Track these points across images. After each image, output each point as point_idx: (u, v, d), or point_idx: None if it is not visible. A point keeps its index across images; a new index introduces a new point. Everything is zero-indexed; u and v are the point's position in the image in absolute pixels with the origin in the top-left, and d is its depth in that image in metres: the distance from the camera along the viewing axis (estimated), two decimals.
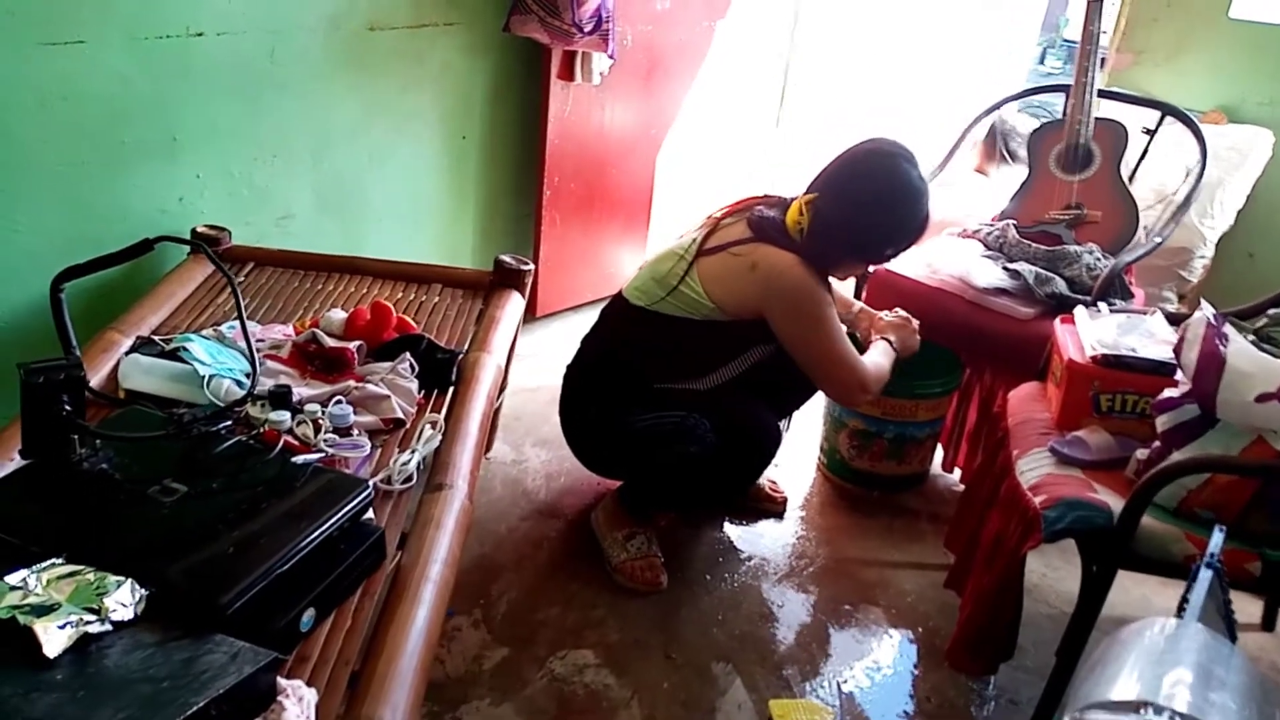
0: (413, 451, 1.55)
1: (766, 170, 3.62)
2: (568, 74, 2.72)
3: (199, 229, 2.22)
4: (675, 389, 1.93)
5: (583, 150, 2.93)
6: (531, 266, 2.27)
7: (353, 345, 1.80)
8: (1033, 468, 1.66)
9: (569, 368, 2.11)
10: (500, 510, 2.27)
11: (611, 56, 2.67)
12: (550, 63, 2.70)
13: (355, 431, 1.55)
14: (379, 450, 1.56)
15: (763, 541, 2.24)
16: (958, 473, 2.49)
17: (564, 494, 2.35)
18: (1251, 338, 1.64)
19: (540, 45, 2.65)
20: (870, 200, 1.83)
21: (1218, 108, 2.75)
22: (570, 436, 2.11)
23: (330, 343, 1.80)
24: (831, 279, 1.94)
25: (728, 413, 1.88)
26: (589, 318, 2.20)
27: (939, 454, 2.51)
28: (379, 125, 2.53)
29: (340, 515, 1.21)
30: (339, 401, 1.57)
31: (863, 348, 2.02)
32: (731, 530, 2.27)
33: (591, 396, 2.03)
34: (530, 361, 2.85)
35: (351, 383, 1.70)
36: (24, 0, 1.81)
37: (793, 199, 1.92)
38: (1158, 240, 2.33)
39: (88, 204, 2.02)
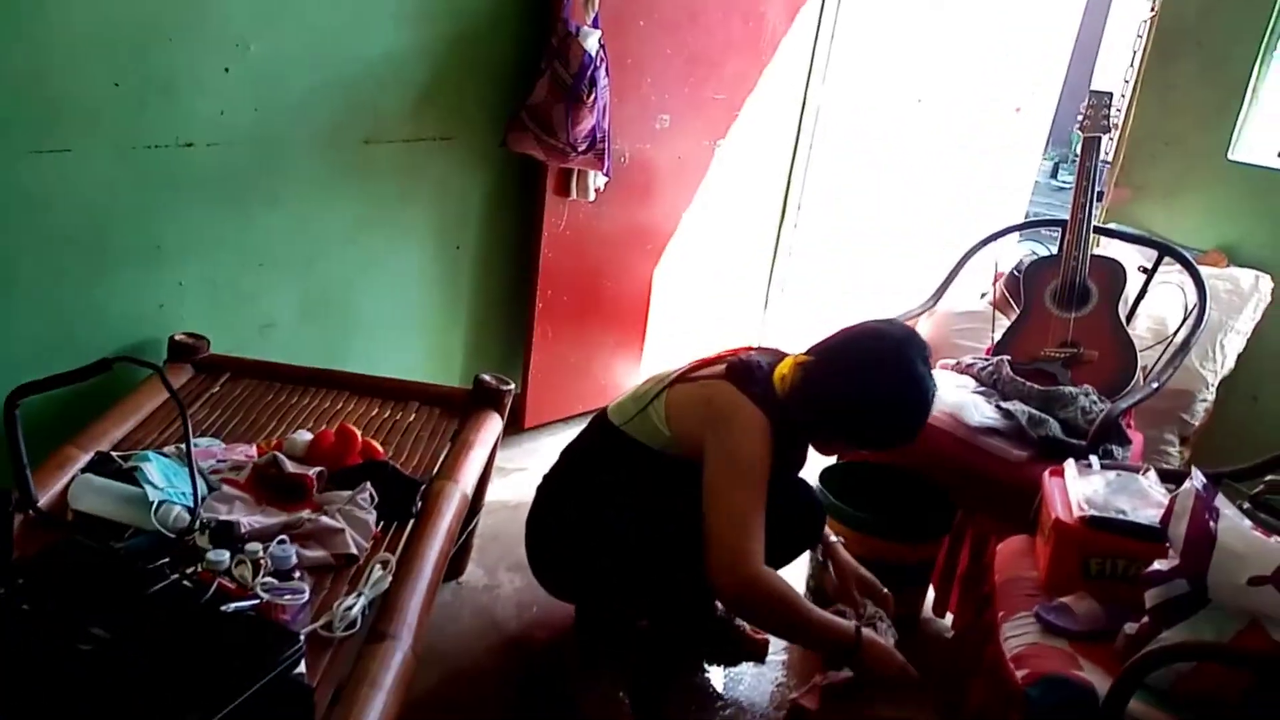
0: (359, 595, 1.48)
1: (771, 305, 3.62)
2: (563, 190, 2.73)
3: (178, 337, 2.19)
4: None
5: (577, 264, 2.92)
6: (512, 386, 2.23)
7: (314, 471, 1.75)
8: (1018, 634, 1.58)
9: (545, 478, 2.03)
10: (466, 643, 2.17)
11: (607, 174, 2.68)
12: (546, 178, 2.71)
13: (298, 574, 1.48)
14: (323, 593, 1.49)
15: (742, 687, 2.13)
16: (950, 617, 2.38)
17: (536, 625, 2.25)
18: (1247, 506, 1.57)
19: (537, 161, 2.66)
20: (866, 383, 1.70)
21: (1217, 248, 2.72)
22: (537, 549, 2.02)
23: (291, 468, 1.75)
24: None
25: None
26: (579, 430, 2.14)
27: (930, 595, 2.41)
28: (371, 236, 2.52)
29: (264, 675, 1.14)
30: (283, 541, 1.50)
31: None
32: (710, 673, 2.17)
33: (565, 501, 1.96)
34: (514, 477, 2.79)
35: (306, 513, 1.65)
36: (13, 107, 1.81)
37: (787, 354, 1.86)
38: (1155, 385, 2.27)
39: (66, 310, 2.00)
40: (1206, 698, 1.35)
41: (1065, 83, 4.04)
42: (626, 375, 3.21)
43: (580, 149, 2.53)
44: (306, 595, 1.40)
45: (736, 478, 1.65)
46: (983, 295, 2.95)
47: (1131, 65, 2.79)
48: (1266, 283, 2.61)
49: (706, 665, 2.19)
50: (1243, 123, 2.68)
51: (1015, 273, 2.78)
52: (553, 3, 2.50)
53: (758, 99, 3.19)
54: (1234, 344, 2.60)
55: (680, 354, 3.32)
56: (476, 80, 2.58)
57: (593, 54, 2.41)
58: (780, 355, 1.86)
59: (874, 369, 1.70)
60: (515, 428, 3.00)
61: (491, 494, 2.40)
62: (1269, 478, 1.64)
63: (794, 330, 3.74)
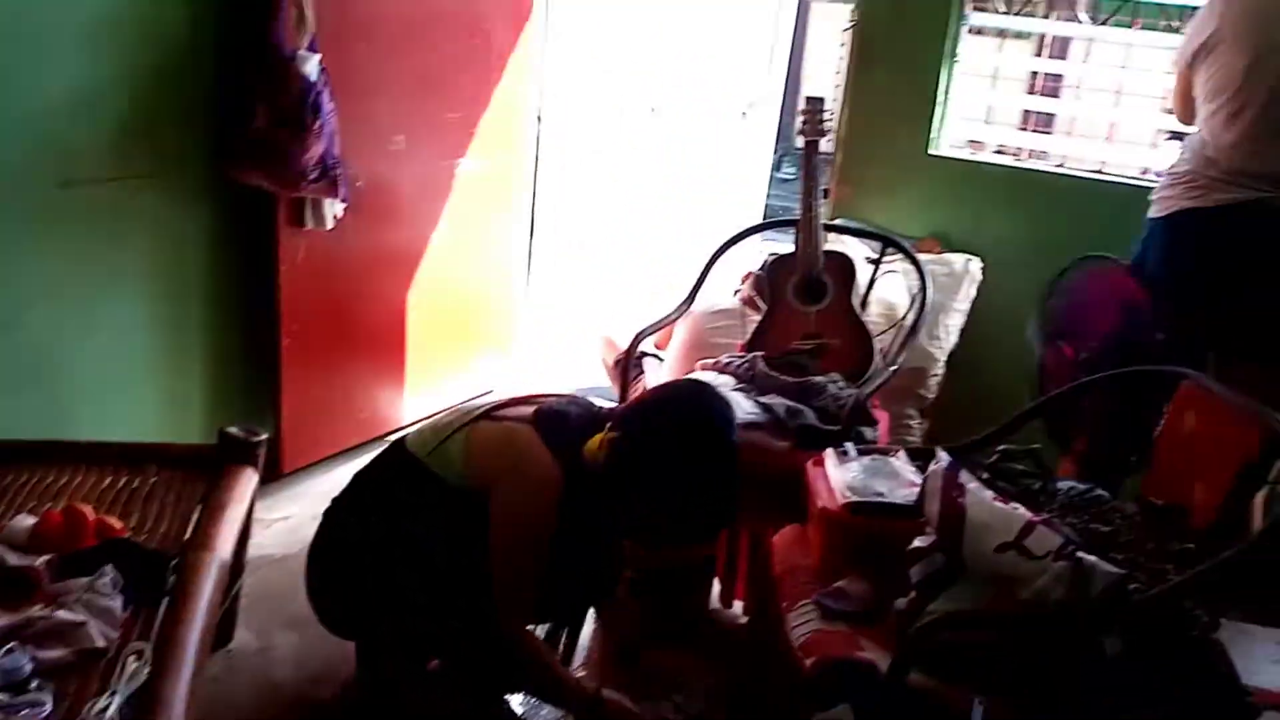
0: (113, 693, 1.32)
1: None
2: (298, 220, 2.57)
3: None
4: None
5: (323, 295, 2.77)
6: (264, 435, 2.07)
7: (41, 560, 1.54)
8: (802, 622, 1.64)
9: (334, 503, 1.90)
10: (245, 716, 2.00)
11: (343, 200, 2.55)
12: (278, 210, 2.55)
13: (35, 683, 1.29)
14: (68, 701, 1.31)
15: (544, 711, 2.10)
16: (738, 605, 2.46)
17: (318, 682, 2.11)
18: (986, 476, 1.72)
19: (266, 192, 2.49)
20: (682, 474, 1.68)
21: (931, 235, 2.98)
22: (322, 578, 1.88)
23: (14, 560, 1.54)
24: None
25: None
26: (345, 468, 2.02)
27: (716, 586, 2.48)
28: (81, 288, 2.26)
29: None
30: (11, 649, 1.31)
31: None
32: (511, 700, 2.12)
33: (356, 528, 1.84)
34: (277, 527, 2.60)
35: (38, 609, 1.44)
36: None
37: (600, 410, 1.82)
38: (894, 368, 2.45)
39: None
40: (969, 658, 1.46)
41: (786, 85, 4.30)
42: (390, 405, 3.09)
43: (311, 177, 2.40)
44: (49, 706, 1.24)
45: (513, 537, 1.64)
46: (735, 293, 3.08)
47: (839, 72, 3.00)
48: (976, 264, 2.88)
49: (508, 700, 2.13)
50: (938, 121, 2.95)
51: (760, 271, 2.92)
52: (263, 28, 2.34)
53: (494, 115, 3.17)
54: (955, 322, 2.86)
55: (442, 375, 3.28)
56: (185, 112, 2.39)
57: (313, 79, 2.29)
58: (590, 411, 1.81)
59: (690, 456, 1.68)
60: (273, 473, 2.80)
61: (254, 549, 2.22)
62: (1001, 447, 1.80)
63: (552, 344, 3.75)
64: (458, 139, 3.09)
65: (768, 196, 4.98)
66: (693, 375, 2.57)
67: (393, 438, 3.00)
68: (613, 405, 1.97)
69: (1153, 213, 2.16)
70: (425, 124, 2.93)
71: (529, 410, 1.75)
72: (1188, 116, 2.21)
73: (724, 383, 2.48)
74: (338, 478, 2.46)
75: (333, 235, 2.67)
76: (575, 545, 1.75)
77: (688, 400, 1.78)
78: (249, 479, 2.01)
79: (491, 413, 1.77)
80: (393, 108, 2.80)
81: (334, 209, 2.59)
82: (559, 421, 1.73)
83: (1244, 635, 1.88)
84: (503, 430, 1.73)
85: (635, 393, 2.77)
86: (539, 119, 3.40)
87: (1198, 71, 2.05)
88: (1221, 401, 1.80)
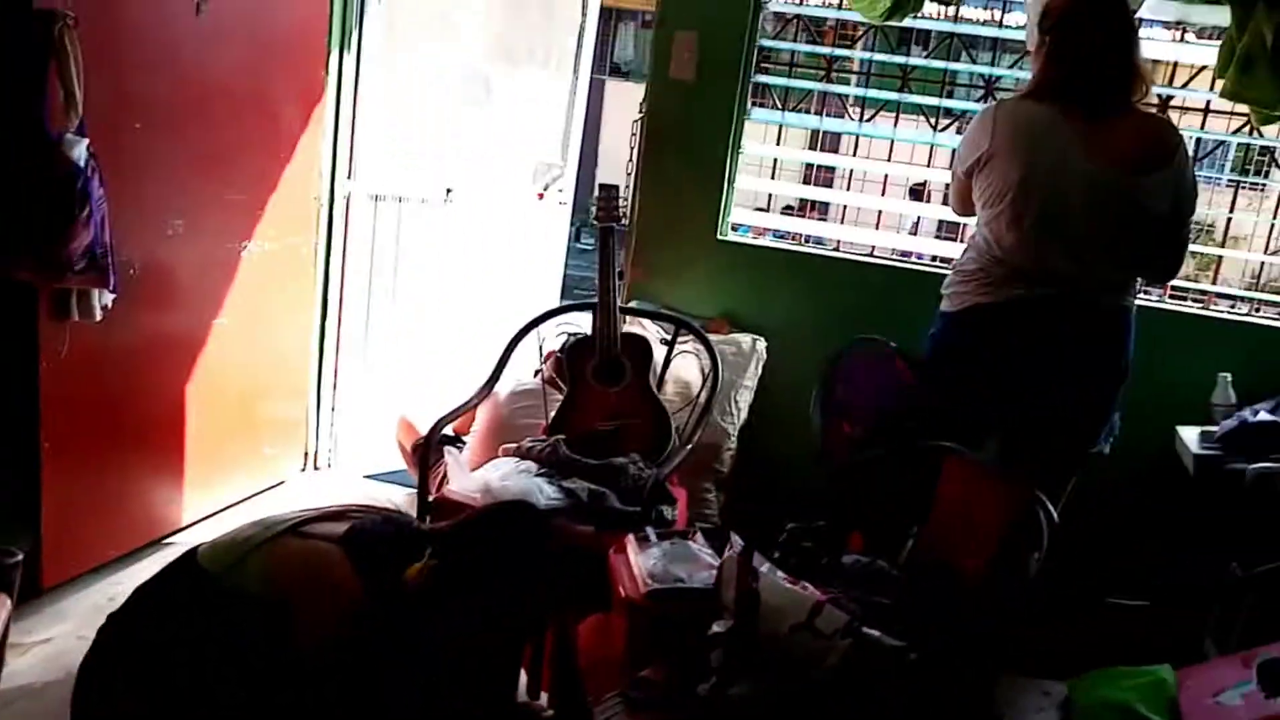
0: None
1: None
2: (61, 313, 2.37)
3: None
4: None
5: (91, 391, 2.55)
6: (19, 556, 1.89)
7: None
8: (609, 714, 1.64)
9: (111, 619, 1.70)
10: None
11: (113, 290, 2.39)
12: (39, 302, 2.35)
13: None
14: None
15: None
16: (544, 697, 2.42)
17: None
18: (777, 555, 1.81)
19: (21, 284, 2.30)
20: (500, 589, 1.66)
21: (720, 315, 3.12)
22: (94, 704, 1.70)
23: None
24: None
25: None
26: (116, 578, 1.84)
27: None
28: None
29: None
30: None
31: None
32: None
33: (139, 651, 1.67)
34: (37, 652, 2.34)
35: None
36: None
37: (418, 530, 1.75)
38: (689, 446, 2.53)
39: None
40: None
41: (582, 158, 4.41)
42: (168, 505, 2.88)
43: (78, 267, 2.24)
44: None
45: (313, 658, 1.54)
46: (535, 373, 3.10)
47: (631, 160, 3.11)
48: (761, 343, 3.04)
49: None
50: (725, 207, 3.11)
51: (560, 354, 2.95)
52: (27, 108, 2.18)
53: (283, 196, 3.07)
54: (745, 398, 2.99)
55: (227, 469, 3.10)
56: None
57: (81, 163, 2.16)
58: (406, 531, 1.74)
59: (515, 578, 1.67)
60: (33, 590, 2.53)
61: (7, 679, 2.01)
62: (790, 525, 1.89)
63: (350, 431, 3.63)
64: (243, 221, 2.97)
65: (567, 267, 5.06)
66: (496, 461, 2.56)
67: (171, 541, 2.85)
68: (433, 526, 1.90)
69: (945, 307, 2.32)
70: (207, 206, 2.80)
71: (340, 528, 1.67)
72: (965, 211, 2.42)
73: (526, 468, 2.49)
74: (108, 590, 2.27)
75: (102, 326, 2.48)
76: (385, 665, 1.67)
77: (510, 521, 1.75)
78: (1, 605, 1.82)
79: (299, 528, 1.67)
80: (171, 190, 2.66)
81: (103, 299, 2.41)
82: (371, 543, 1.65)
83: (1012, 687, 2.05)
84: (308, 549, 1.64)
85: (435, 480, 2.73)
86: (331, 200, 3.33)
87: (976, 180, 2.25)
88: (984, 472, 1.98)
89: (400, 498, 3.42)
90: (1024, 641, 1.92)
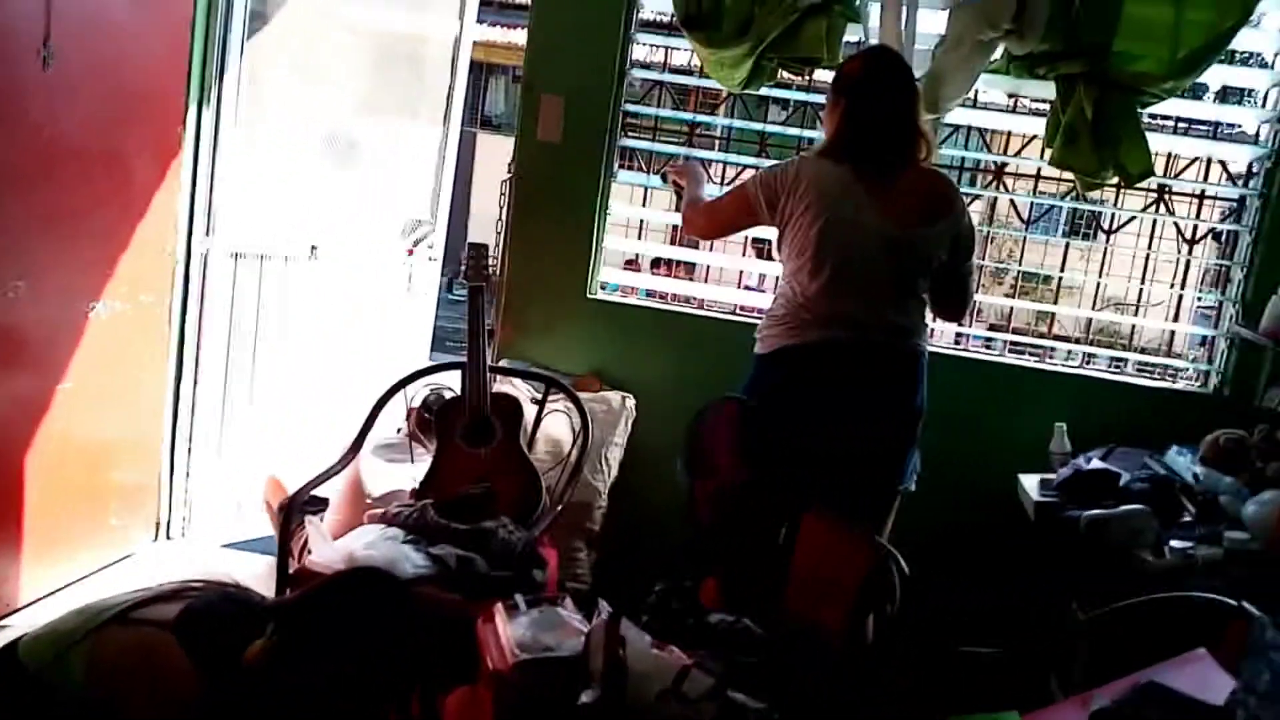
0: None
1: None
2: None
3: None
4: None
5: None
6: None
7: None
8: None
9: None
10: None
11: None
12: None
13: None
14: None
15: None
16: None
17: None
18: (646, 618, 1.82)
19: None
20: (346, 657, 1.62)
21: (590, 372, 3.15)
22: None
23: None
24: None
25: None
26: None
27: None
28: None
29: None
30: None
31: None
32: None
33: None
34: None
35: None
36: None
37: (260, 603, 1.67)
38: (559, 508, 2.54)
39: None
40: None
41: (453, 208, 4.39)
42: (2, 584, 2.69)
43: None
44: None
45: None
46: (399, 430, 3.06)
47: (501, 219, 3.13)
48: (631, 401, 3.08)
49: None
50: (593, 266, 3.16)
51: (426, 413, 2.92)
52: None
53: (136, 255, 2.96)
54: (615, 455, 3.02)
55: (72, 544, 2.92)
56: None
57: None
58: (247, 606, 1.67)
59: (361, 645, 1.63)
60: None
61: None
62: (658, 587, 1.92)
63: (210, 497, 3.49)
64: (92, 280, 2.84)
65: (438, 319, 5.01)
66: (361, 528, 2.51)
67: (5, 624, 2.66)
68: (277, 599, 1.83)
69: (757, 350, 2.48)
70: (52, 266, 2.67)
71: (172, 610, 1.59)
72: (712, 232, 2.70)
73: (393, 535, 2.44)
74: None
75: None
76: None
77: (360, 588, 1.71)
78: None
79: (127, 614, 1.59)
80: (12, 250, 2.54)
81: None
82: (207, 625, 1.59)
83: None
84: (136, 639, 1.56)
85: (297, 550, 2.64)
86: (188, 257, 3.22)
87: (784, 233, 2.41)
88: (839, 528, 2.06)
89: (261, 567, 3.29)
90: (880, 693, 1.99)
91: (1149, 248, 3.26)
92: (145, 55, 2.90)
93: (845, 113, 2.38)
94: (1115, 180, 2.83)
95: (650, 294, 3.37)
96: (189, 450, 3.39)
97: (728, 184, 3.25)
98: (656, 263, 3.87)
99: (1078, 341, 3.60)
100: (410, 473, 2.85)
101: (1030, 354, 3.23)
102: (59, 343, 2.77)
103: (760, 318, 3.19)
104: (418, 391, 2.95)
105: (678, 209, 2.84)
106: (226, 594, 1.72)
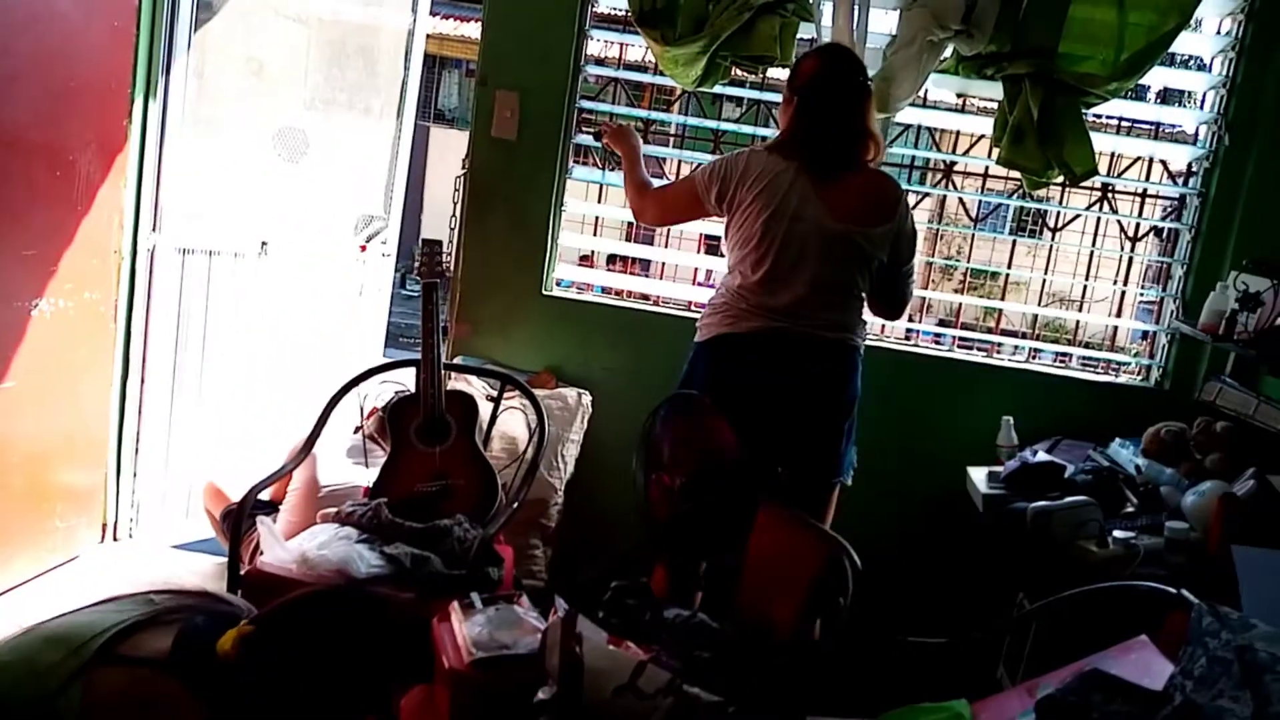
0: None
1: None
2: None
3: None
4: None
5: None
6: None
7: None
8: None
9: None
10: None
11: None
12: None
13: None
14: None
15: None
16: None
17: None
18: (602, 614, 1.83)
19: None
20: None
21: (546, 369, 3.15)
22: None
23: None
24: None
25: None
26: None
27: None
28: None
29: None
30: None
31: None
32: None
33: None
34: None
35: None
36: None
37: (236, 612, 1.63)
38: (515, 505, 2.53)
39: None
40: None
41: (406, 204, 4.34)
42: None
43: None
44: None
45: None
46: (355, 430, 3.03)
47: (454, 215, 3.12)
48: (587, 397, 3.08)
49: None
50: (548, 263, 3.15)
51: (383, 413, 2.89)
52: None
53: (80, 251, 2.90)
54: (571, 452, 3.02)
55: (15, 547, 2.86)
56: None
57: None
58: (231, 612, 1.62)
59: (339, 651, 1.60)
60: None
61: None
62: (614, 584, 1.93)
63: (156, 497, 3.43)
64: (33, 278, 2.78)
65: (391, 315, 4.97)
66: (314, 528, 2.48)
67: None
68: (261, 611, 1.77)
69: (696, 338, 2.51)
70: None
71: (163, 642, 1.51)
72: (661, 218, 2.72)
73: (346, 534, 2.42)
74: None
75: None
76: None
77: (335, 602, 1.66)
78: None
79: (115, 648, 1.48)
80: None
81: None
82: (202, 651, 1.51)
83: None
84: (133, 681, 1.47)
85: (247, 551, 2.61)
86: (134, 254, 3.16)
87: (729, 222, 2.45)
88: (792, 523, 2.08)
89: (209, 567, 3.25)
90: (828, 684, 2.01)
91: (1093, 245, 3.34)
92: (89, 47, 2.84)
93: (797, 109, 2.41)
94: (1061, 179, 2.89)
95: (605, 290, 3.37)
96: (136, 450, 3.33)
97: None
98: (612, 259, 3.87)
99: (1024, 336, 3.67)
100: (368, 474, 2.84)
101: (979, 349, 3.28)
102: (0, 342, 2.71)
103: None
104: (378, 391, 2.93)
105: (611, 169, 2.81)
106: (209, 610, 1.64)
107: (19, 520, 2.89)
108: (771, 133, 3.17)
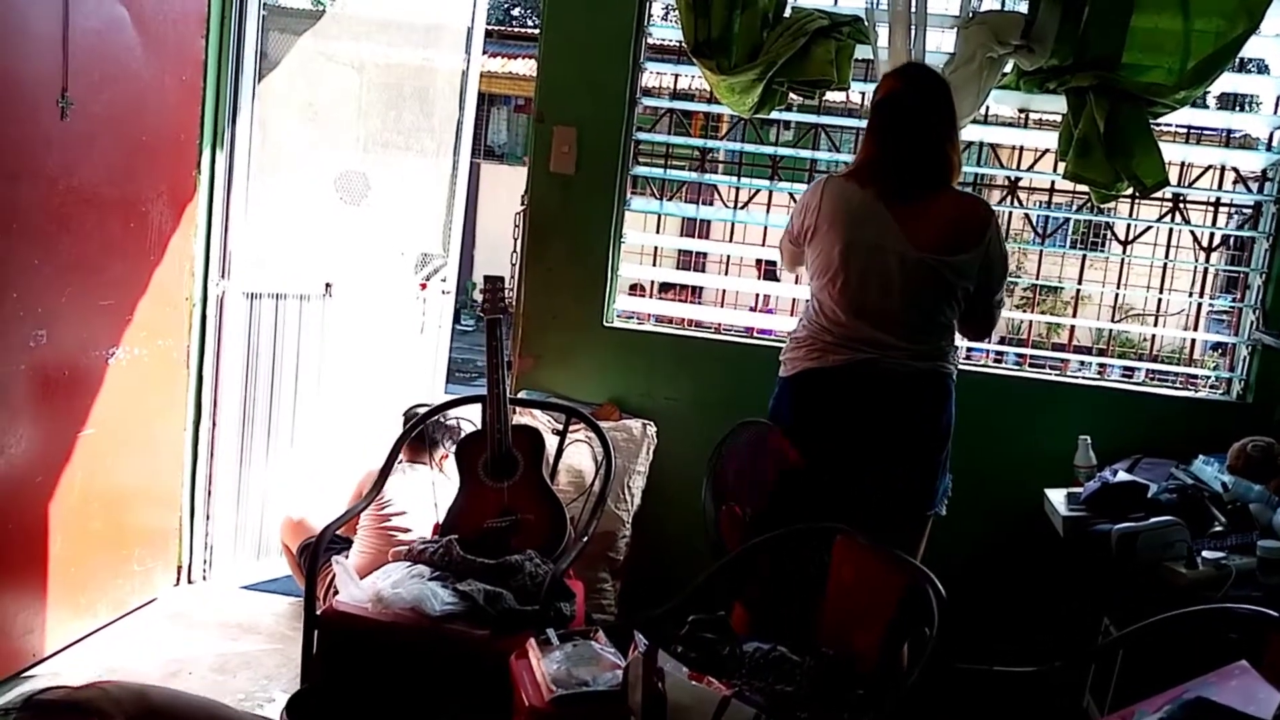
0: None
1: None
2: None
3: None
4: None
5: None
6: None
7: None
8: None
9: None
10: None
11: None
12: None
13: None
14: None
15: None
16: None
17: None
18: (680, 649, 1.81)
19: None
20: None
21: (609, 400, 3.14)
22: None
23: None
24: None
25: None
26: None
27: None
28: None
29: None
30: None
31: None
32: None
33: None
34: None
35: None
36: None
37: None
38: (585, 539, 2.52)
39: None
40: None
41: (468, 249, 4.40)
42: (26, 636, 2.68)
43: None
44: None
45: None
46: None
47: (515, 250, 3.14)
48: (652, 428, 3.07)
49: None
50: (609, 294, 3.16)
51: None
52: None
53: (154, 300, 2.97)
54: (638, 483, 3.01)
55: (97, 590, 2.92)
56: None
57: None
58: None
59: None
60: None
61: None
62: (692, 617, 1.90)
63: (235, 542, 3.48)
64: (110, 327, 2.85)
65: (453, 349, 5.03)
66: (387, 566, 2.50)
67: (32, 674, 2.66)
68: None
69: (782, 373, 2.45)
70: (72, 314, 2.68)
71: None
72: (793, 270, 2.65)
73: (419, 572, 2.43)
74: None
75: None
76: None
77: None
78: None
79: None
80: (33, 300, 2.55)
81: None
82: None
83: None
84: None
85: (322, 589, 2.63)
86: (204, 300, 3.24)
87: (807, 251, 2.41)
88: (873, 553, 2.04)
89: (282, 608, 3.29)
90: (914, 715, 1.96)
91: (1165, 256, 3.25)
92: (160, 102, 2.92)
93: (871, 132, 2.36)
94: (1130, 191, 2.83)
95: (658, 319, 3.37)
96: (209, 492, 3.39)
97: (740, 207, 3.27)
98: (665, 286, 3.87)
99: (1095, 353, 3.58)
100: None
101: (1051, 368, 3.21)
102: (80, 390, 2.78)
103: (774, 339, 3.22)
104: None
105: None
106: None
107: (100, 563, 2.95)
108: (828, 156, 3.16)
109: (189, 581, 3.39)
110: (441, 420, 3.06)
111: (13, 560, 2.64)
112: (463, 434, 2.90)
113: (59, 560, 2.76)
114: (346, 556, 2.80)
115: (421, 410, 3.06)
